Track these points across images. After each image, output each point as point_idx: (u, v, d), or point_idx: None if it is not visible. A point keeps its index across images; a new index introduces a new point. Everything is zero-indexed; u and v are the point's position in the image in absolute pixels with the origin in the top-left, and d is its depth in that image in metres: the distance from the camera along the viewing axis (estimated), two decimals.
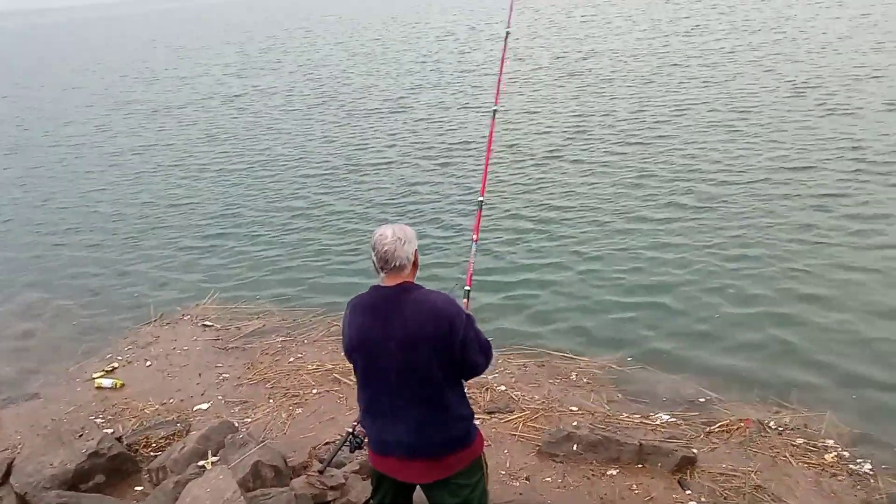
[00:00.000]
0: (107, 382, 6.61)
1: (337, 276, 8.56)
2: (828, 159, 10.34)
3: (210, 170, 14.33)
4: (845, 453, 4.79)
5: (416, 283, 3.01)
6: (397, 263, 2.89)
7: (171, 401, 6.21)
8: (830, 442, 4.90)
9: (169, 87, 26.70)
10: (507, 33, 5.06)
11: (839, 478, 4.56)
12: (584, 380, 5.93)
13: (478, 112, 16.24)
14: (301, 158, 14.21)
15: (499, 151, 12.27)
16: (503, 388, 5.85)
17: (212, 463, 4.79)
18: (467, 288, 3.70)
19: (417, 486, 3.21)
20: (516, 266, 8.23)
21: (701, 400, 5.54)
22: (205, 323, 7.53)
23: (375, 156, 13.68)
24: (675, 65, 18.95)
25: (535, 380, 5.96)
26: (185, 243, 10.38)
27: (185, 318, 7.81)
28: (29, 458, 5.15)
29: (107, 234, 11.12)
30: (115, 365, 6.96)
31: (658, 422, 5.23)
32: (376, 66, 25.66)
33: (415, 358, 2.86)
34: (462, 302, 3.45)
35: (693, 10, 30.95)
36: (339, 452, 4.25)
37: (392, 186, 11.67)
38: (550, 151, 12.48)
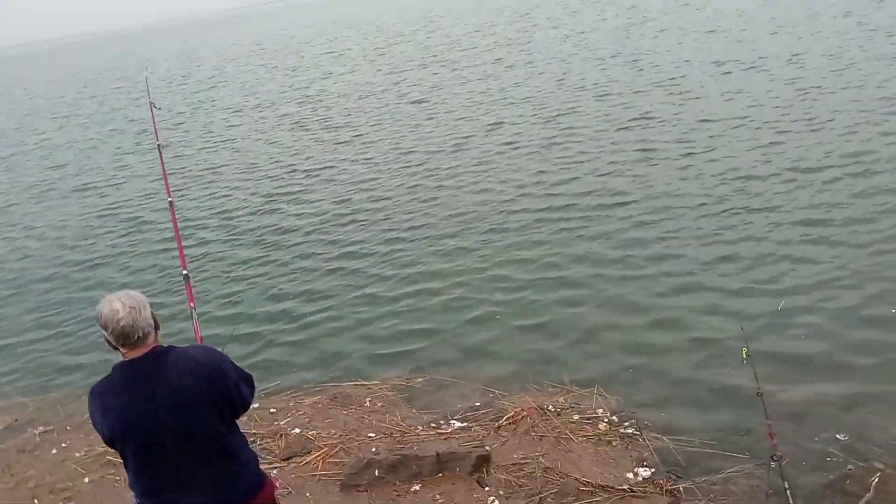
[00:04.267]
0: None
1: (89, 352, 7.76)
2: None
3: None
4: (614, 418, 5.32)
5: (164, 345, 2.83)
6: (140, 334, 2.67)
7: None
8: (601, 412, 5.41)
9: None
10: (159, 146, 5.62)
11: (613, 443, 5.05)
12: (379, 403, 5.97)
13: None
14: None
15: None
16: (297, 430, 5.68)
17: None
18: None
19: None
20: (275, 314, 8.01)
21: (487, 398, 5.82)
22: None
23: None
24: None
25: (330, 414, 5.88)
26: None
27: None
28: None
29: None
30: None
31: (451, 429, 5.41)
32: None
33: (193, 420, 2.73)
34: None
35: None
36: None
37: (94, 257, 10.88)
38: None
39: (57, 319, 8.83)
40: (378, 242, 9.41)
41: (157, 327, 2.78)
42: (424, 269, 8.39)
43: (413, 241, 9.24)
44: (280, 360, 6.94)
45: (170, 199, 5.36)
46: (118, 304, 2.65)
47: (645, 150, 11.31)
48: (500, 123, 14.70)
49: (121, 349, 2.71)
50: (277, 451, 5.43)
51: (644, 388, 5.70)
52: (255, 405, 6.10)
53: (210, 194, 13.26)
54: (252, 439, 5.57)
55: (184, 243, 9.90)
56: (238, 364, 2.99)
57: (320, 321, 7.59)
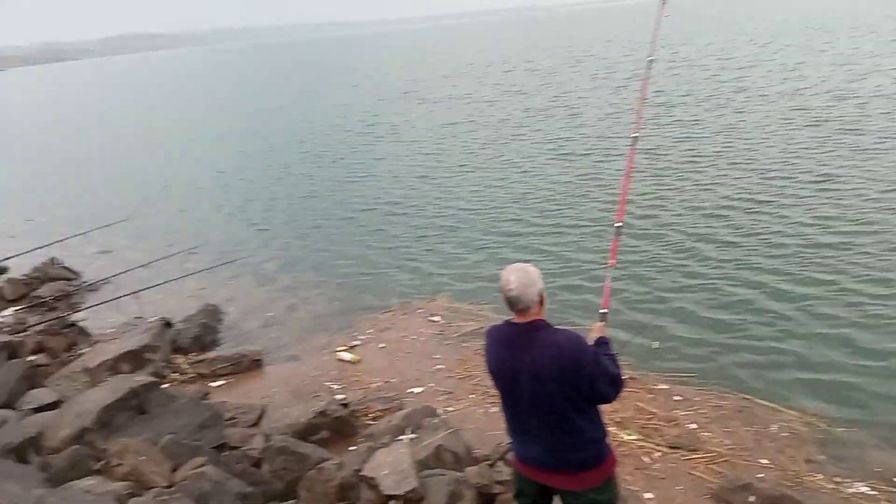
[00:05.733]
0: (347, 356, 7.77)
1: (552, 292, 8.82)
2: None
3: (467, 171, 15.77)
4: None
5: (546, 320, 3.23)
6: (522, 306, 3.14)
7: (392, 380, 7.14)
8: None
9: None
10: (650, 61, 4.85)
11: None
12: (784, 434, 5.65)
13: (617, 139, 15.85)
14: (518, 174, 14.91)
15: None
16: (694, 426, 5.81)
17: (409, 440, 5.51)
18: (604, 310, 3.80)
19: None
20: (720, 303, 7.97)
21: None
22: (431, 318, 8.43)
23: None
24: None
25: (729, 424, 5.82)
26: (432, 241, 11.58)
27: (419, 310, 8.79)
28: (276, 408, 6.40)
29: (368, 225, 12.84)
30: (357, 343, 8.12)
31: (852, 490, 4.88)
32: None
33: (542, 390, 3.18)
34: (598, 325, 3.62)
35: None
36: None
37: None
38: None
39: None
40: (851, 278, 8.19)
41: (541, 303, 3.22)
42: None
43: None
44: (701, 354, 6.95)
45: (635, 135, 4.55)
46: (513, 276, 3.13)
47: None
48: None
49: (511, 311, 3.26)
50: (668, 437, 5.67)
51: None
52: (665, 386, 6.43)
53: (679, 183, 12.64)
54: (648, 417, 5.95)
55: (628, 225, 10.19)
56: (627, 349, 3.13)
57: (762, 334, 7.22)
